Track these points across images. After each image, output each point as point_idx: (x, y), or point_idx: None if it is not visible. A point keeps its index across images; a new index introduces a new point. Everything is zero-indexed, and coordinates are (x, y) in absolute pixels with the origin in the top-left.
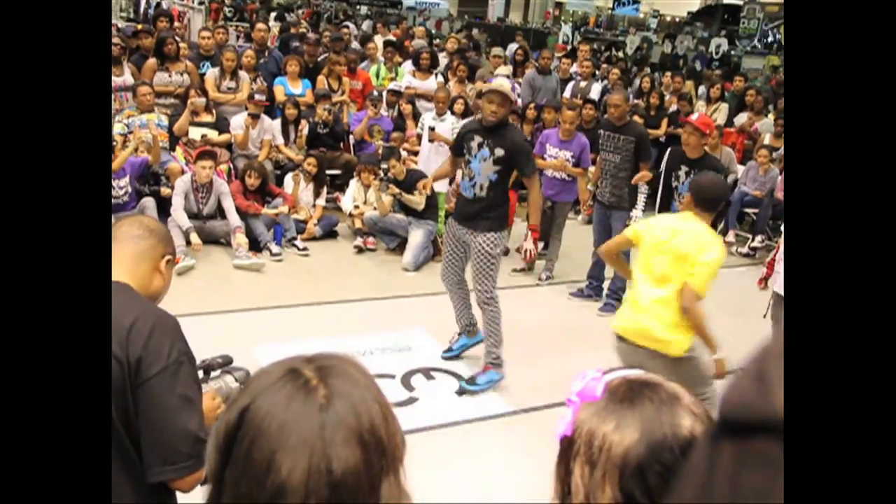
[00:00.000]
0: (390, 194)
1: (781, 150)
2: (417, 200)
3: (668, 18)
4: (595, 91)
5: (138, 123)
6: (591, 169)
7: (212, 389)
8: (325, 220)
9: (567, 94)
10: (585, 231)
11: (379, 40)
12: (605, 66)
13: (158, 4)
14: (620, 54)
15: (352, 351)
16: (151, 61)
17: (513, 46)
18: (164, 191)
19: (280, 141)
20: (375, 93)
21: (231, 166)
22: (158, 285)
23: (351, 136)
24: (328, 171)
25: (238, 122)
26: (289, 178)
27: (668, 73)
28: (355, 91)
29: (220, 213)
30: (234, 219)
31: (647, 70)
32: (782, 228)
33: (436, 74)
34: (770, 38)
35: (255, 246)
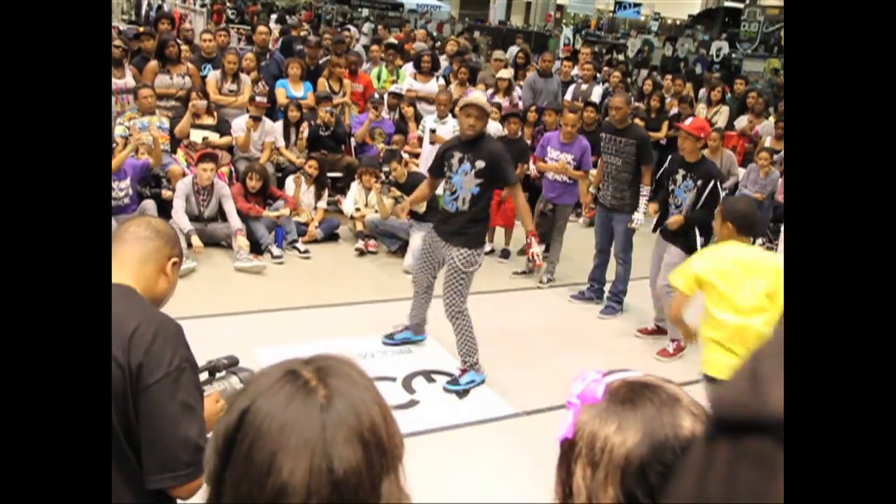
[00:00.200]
0: (392, 197)
1: (782, 153)
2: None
3: (669, 21)
4: (596, 94)
5: (139, 126)
6: (593, 172)
7: (216, 391)
8: (326, 222)
9: (568, 96)
10: (587, 234)
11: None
12: (606, 68)
13: (160, 7)
14: (621, 57)
15: (353, 353)
16: (153, 63)
17: (514, 49)
18: (166, 193)
19: (281, 143)
20: (377, 95)
21: (232, 169)
22: (164, 287)
23: (352, 139)
24: (329, 174)
25: (239, 124)
26: (290, 181)
27: (669, 76)
28: (357, 94)
29: (221, 215)
30: (235, 221)
31: (648, 72)
32: (782, 230)
33: (437, 77)
34: (771, 41)
35: (257, 248)
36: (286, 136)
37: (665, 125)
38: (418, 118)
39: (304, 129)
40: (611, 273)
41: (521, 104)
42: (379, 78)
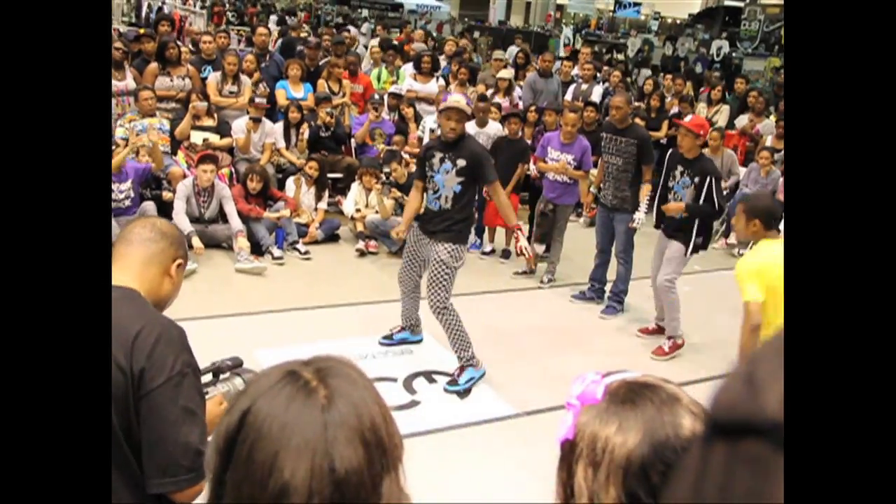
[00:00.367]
0: (392, 198)
1: (783, 152)
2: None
3: (669, 20)
4: (596, 93)
5: (140, 128)
6: (593, 172)
7: (219, 393)
8: (326, 223)
9: (568, 96)
10: (587, 233)
11: (374, 43)
12: (606, 68)
13: (160, 9)
14: (621, 57)
15: (354, 354)
16: (153, 66)
17: (513, 49)
18: (166, 195)
19: (282, 144)
20: (377, 96)
21: (233, 170)
22: (168, 289)
23: (352, 140)
24: (330, 175)
25: (240, 125)
26: (290, 182)
27: (669, 76)
28: (356, 94)
29: (221, 217)
30: (235, 223)
31: (651, 72)
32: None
33: (437, 78)
34: (772, 40)
35: (257, 249)
36: (286, 138)
37: (665, 124)
38: (418, 119)
39: (305, 131)
40: (612, 273)
41: (521, 104)
42: (379, 79)
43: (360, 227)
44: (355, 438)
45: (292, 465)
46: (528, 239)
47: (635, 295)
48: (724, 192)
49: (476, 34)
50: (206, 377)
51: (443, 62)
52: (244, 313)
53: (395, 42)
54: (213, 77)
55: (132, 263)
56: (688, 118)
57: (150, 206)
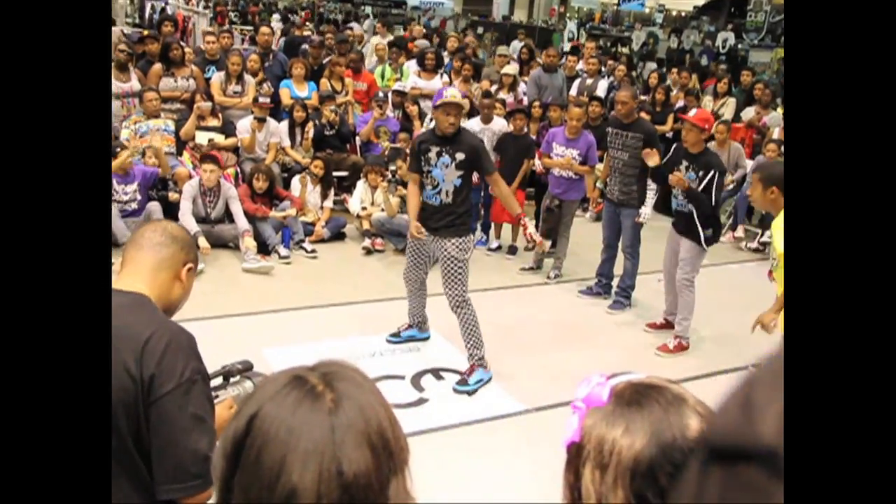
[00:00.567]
0: (398, 195)
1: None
2: None
3: (674, 13)
4: (601, 88)
5: (144, 129)
6: (599, 166)
7: (230, 397)
8: (332, 221)
9: (573, 91)
10: (594, 228)
11: (375, 40)
12: (610, 62)
13: (163, 10)
14: (626, 50)
15: (361, 352)
16: (157, 67)
17: (517, 44)
18: (172, 196)
19: (287, 143)
20: (381, 94)
21: (238, 170)
22: (179, 294)
23: (357, 138)
24: (335, 173)
25: (244, 125)
26: (296, 181)
27: (675, 70)
28: (360, 92)
29: (228, 217)
30: (242, 222)
31: (655, 65)
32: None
33: (441, 74)
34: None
35: (264, 249)
36: (291, 137)
37: (671, 118)
38: (423, 116)
39: (310, 129)
40: (618, 268)
41: (525, 100)
42: (383, 76)
43: (366, 225)
44: (362, 442)
45: (300, 468)
46: None
47: (642, 290)
48: (731, 186)
49: (480, 30)
50: (217, 381)
51: (447, 59)
52: (251, 313)
53: (401, 37)
54: (216, 77)
55: (143, 268)
56: (692, 112)
57: (155, 206)
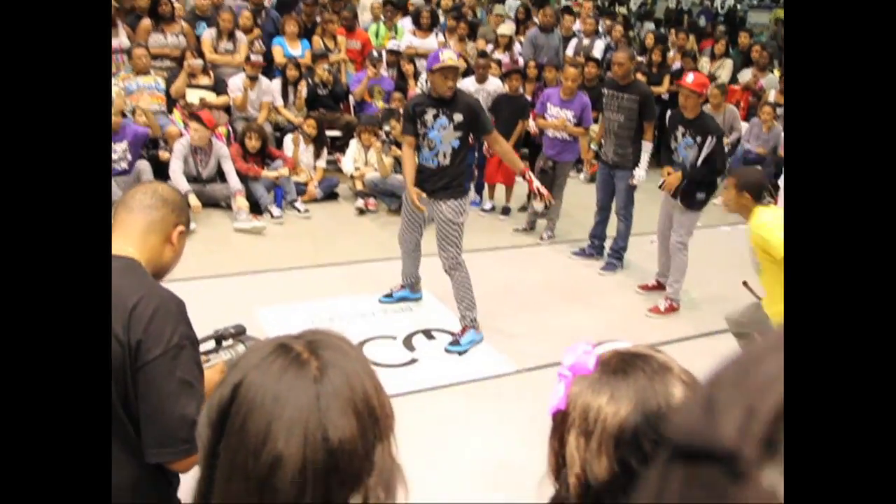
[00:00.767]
0: (392, 156)
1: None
2: None
3: None
4: (598, 49)
5: (134, 87)
6: (594, 128)
7: (221, 361)
8: (325, 181)
9: (570, 51)
10: (587, 190)
11: None
12: (608, 22)
13: None
14: (623, 10)
15: (354, 312)
16: (146, 22)
17: (514, 3)
18: (163, 155)
19: (279, 102)
20: (375, 53)
21: (230, 129)
22: (170, 257)
23: (351, 97)
24: (328, 133)
25: (236, 84)
26: (288, 140)
27: (673, 31)
28: (354, 51)
29: (220, 176)
30: (234, 182)
31: (652, 25)
32: (780, 184)
33: (436, 33)
34: None
35: (256, 209)
36: (284, 96)
37: (667, 79)
38: (418, 75)
39: (303, 88)
40: (612, 229)
41: (521, 60)
42: (377, 35)
43: (359, 186)
44: (348, 408)
45: (286, 435)
46: (529, 196)
47: (635, 251)
48: (726, 149)
49: None
50: (209, 344)
51: (442, 18)
52: (244, 272)
53: None
54: (207, 34)
55: (133, 231)
56: (690, 77)
57: (145, 165)
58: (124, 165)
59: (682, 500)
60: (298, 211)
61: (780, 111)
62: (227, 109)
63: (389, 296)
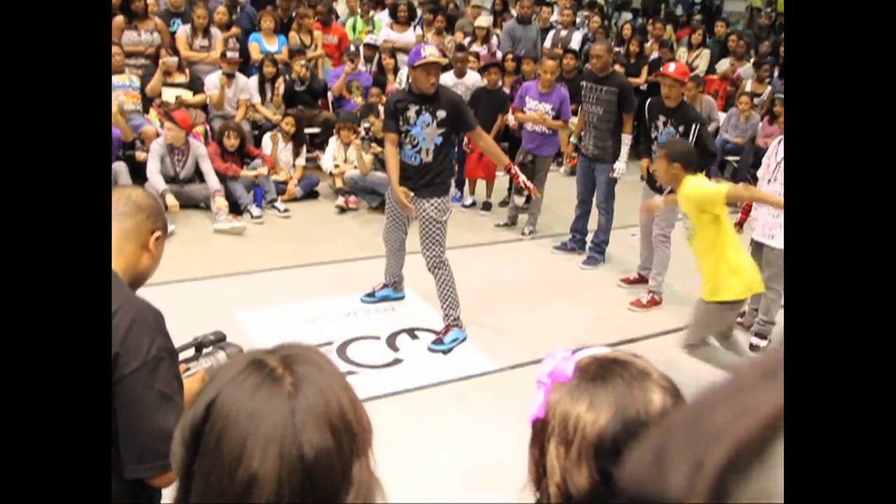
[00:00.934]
0: (371, 153)
1: (763, 96)
2: None
3: None
4: (576, 40)
5: None
6: (573, 120)
7: (202, 369)
8: (305, 180)
9: (547, 43)
10: (568, 183)
11: None
12: (585, 13)
13: None
14: (601, 0)
15: (336, 313)
16: (119, 19)
17: None
18: (140, 155)
19: (257, 100)
20: (352, 47)
21: (208, 128)
22: (147, 264)
23: (329, 93)
24: (307, 130)
25: (213, 81)
26: (267, 139)
27: (650, 21)
28: (330, 46)
29: (198, 176)
30: (212, 182)
31: (630, 15)
32: (759, 175)
33: (414, 27)
34: None
35: (236, 209)
36: (261, 93)
37: (645, 70)
38: (397, 70)
39: (280, 85)
40: (593, 223)
41: (499, 53)
42: (354, 29)
43: (339, 183)
44: (323, 424)
45: (261, 452)
46: (509, 190)
47: (616, 245)
48: None
49: None
50: (189, 352)
51: (419, 11)
52: (224, 275)
53: None
54: (182, 31)
55: None
56: (672, 67)
57: (121, 167)
58: None
59: None
60: (279, 210)
61: (756, 100)
62: (203, 108)
63: (372, 295)
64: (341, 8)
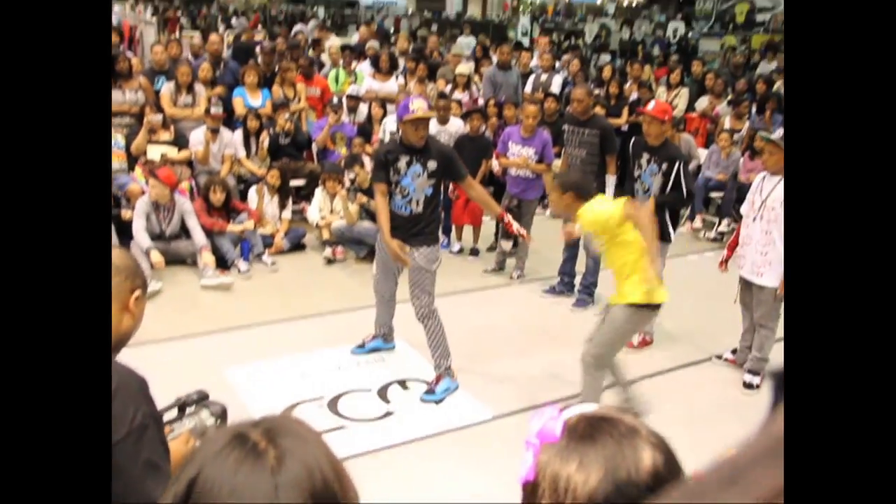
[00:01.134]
0: (357, 203)
1: (743, 132)
2: None
3: (626, 2)
4: (556, 84)
5: None
6: (557, 163)
7: (186, 430)
8: (292, 232)
9: (528, 88)
10: (554, 226)
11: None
12: (565, 57)
13: None
14: (580, 42)
15: (326, 366)
16: None
17: (471, 41)
18: (125, 214)
19: (242, 154)
20: (335, 99)
21: (193, 183)
22: (128, 325)
23: (313, 145)
24: (293, 182)
25: (198, 137)
26: (253, 192)
27: (629, 62)
28: (314, 98)
29: (184, 232)
30: (199, 237)
31: (609, 57)
32: (742, 210)
33: (396, 76)
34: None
35: (223, 264)
36: (246, 147)
37: (626, 111)
38: (383, 118)
39: (264, 139)
40: (580, 265)
41: (480, 99)
42: (337, 80)
43: (326, 235)
44: (307, 498)
45: None
46: (496, 236)
47: (605, 286)
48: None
49: (434, 27)
50: (172, 413)
51: (402, 62)
52: (212, 331)
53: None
54: (166, 88)
55: None
56: (651, 105)
57: None
58: None
59: None
60: (266, 264)
61: (736, 136)
62: (189, 163)
63: (362, 346)
64: (322, 59)
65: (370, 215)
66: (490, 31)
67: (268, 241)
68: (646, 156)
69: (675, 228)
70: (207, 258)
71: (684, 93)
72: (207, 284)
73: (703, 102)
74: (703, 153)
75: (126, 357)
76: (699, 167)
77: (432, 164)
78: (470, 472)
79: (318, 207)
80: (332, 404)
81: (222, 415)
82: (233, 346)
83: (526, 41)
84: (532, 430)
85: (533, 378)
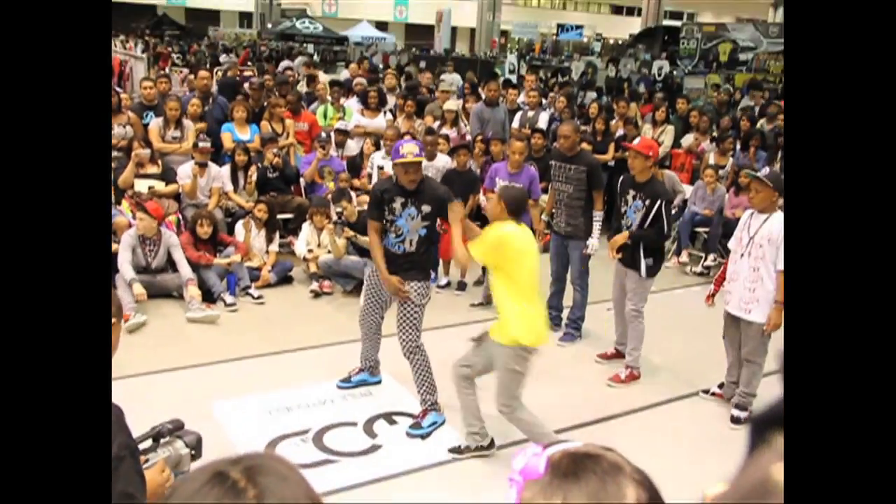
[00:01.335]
0: (345, 237)
1: (727, 167)
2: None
3: (612, 41)
4: (543, 120)
5: None
6: (544, 198)
7: (160, 459)
8: (279, 265)
9: (515, 124)
10: (541, 261)
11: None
12: (552, 94)
13: None
14: (567, 79)
15: (312, 400)
16: None
17: (457, 78)
18: (112, 247)
19: (229, 188)
20: (324, 134)
21: (180, 217)
22: None
23: (301, 179)
24: (280, 215)
25: (185, 171)
26: (240, 226)
27: (616, 99)
28: (302, 133)
29: (170, 265)
30: (185, 271)
31: (595, 94)
32: (729, 246)
33: (384, 112)
34: (710, 57)
35: (209, 297)
36: (234, 181)
37: (612, 147)
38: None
39: (253, 173)
40: (568, 299)
41: (468, 135)
42: (325, 116)
43: (313, 268)
44: None
45: None
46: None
47: (592, 320)
48: (673, 212)
49: (422, 64)
50: (147, 443)
51: (391, 99)
52: (198, 364)
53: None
54: (155, 123)
55: None
56: (636, 141)
57: None
58: None
59: None
60: (252, 297)
61: (721, 172)
62: (176, 197)
63: (348, 380)
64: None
65: (357, 249)
66: (478, 68)
67: (254, 275)
68: (632, 192)
69: (659, 265)
70: (193, 291)
71: (670, 130)
72: (193, 317)
73: (688, 139)
74: (688, 189)
75: (112, 390)
76: (685, 201)
77: (426, 208)
78: None
79: (306, 241)
80: (318, 438)
81: (197, 444)
82: (219, 379)
83: (514, 78)
84: (515, 467)
85: None
